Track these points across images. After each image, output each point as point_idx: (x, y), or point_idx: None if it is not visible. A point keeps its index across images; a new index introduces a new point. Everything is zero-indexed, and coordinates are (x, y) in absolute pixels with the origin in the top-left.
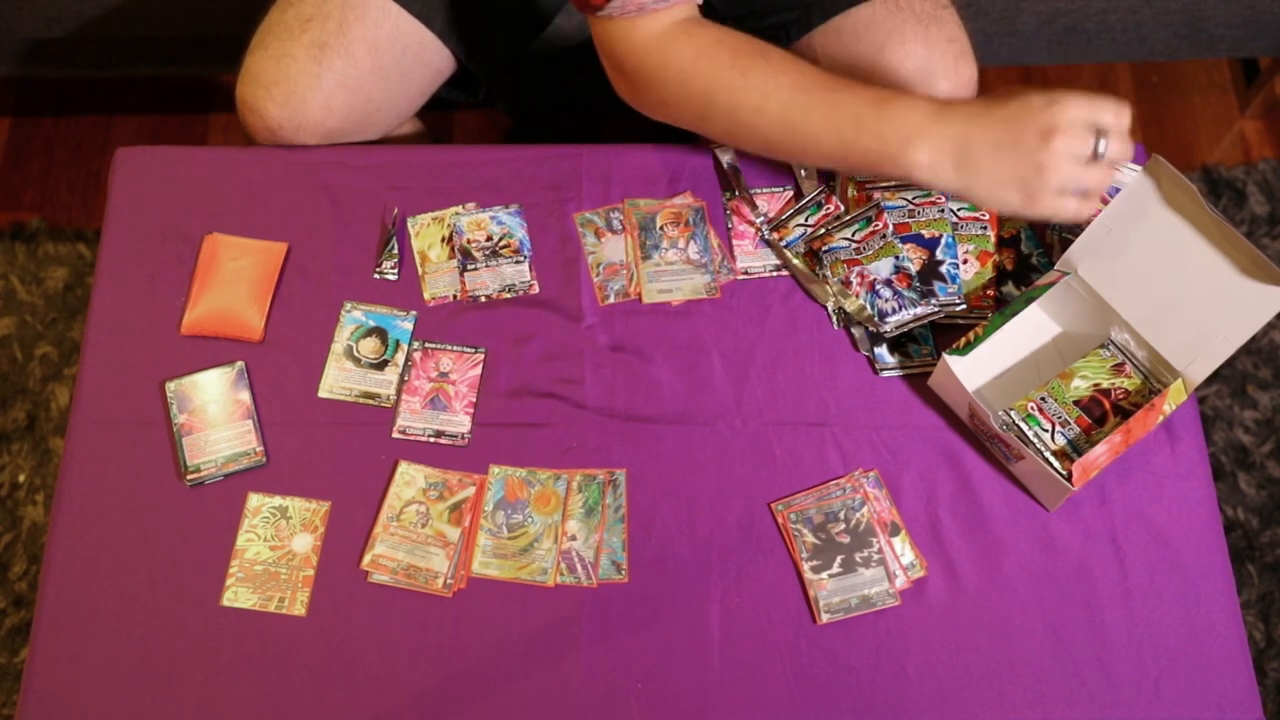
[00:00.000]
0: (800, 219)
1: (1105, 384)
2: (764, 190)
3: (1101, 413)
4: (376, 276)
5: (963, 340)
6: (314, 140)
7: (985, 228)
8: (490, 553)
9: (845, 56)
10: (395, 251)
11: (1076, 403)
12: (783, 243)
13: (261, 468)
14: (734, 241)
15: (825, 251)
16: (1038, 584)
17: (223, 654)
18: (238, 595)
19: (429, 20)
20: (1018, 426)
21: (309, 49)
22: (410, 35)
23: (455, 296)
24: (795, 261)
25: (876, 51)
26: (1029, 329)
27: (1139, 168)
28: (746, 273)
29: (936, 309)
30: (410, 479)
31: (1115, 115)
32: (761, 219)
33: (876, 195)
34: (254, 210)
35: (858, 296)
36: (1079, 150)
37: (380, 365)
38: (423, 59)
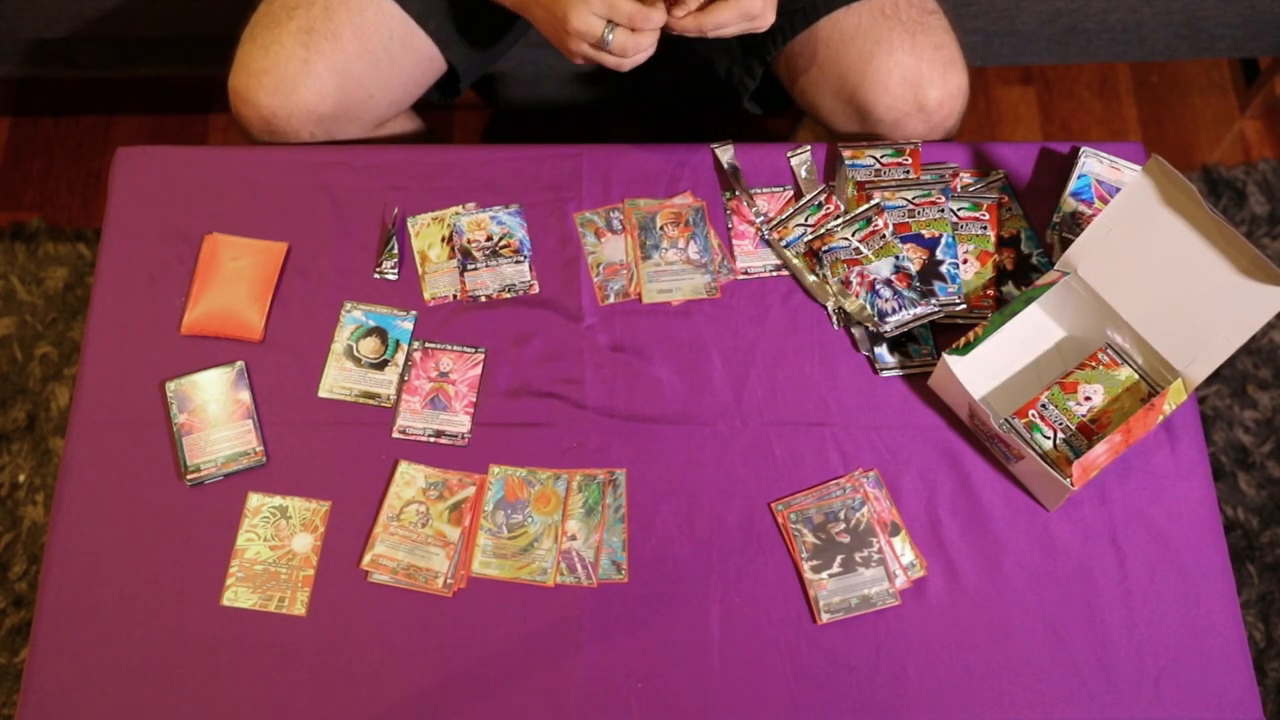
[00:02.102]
0: (800, 219)
1: None
2: (764, 190)
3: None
4: (376, 276)
5: (963, 340)
6: (307, 128)
7: (985, 228)
8: (490, 553)
9: (833, 64)
10: (395, 251)
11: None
12: (783, 243)
13: (261, 468)
14: (734, 241)
15: (825, 251)
16: (1038, 584)
17: (223, 654)
18: (238, 595)
19: (406, 5)
20: (1018, 429)
21: (296, 35)
22: (395, 19)
23: (455, 296)
24: (795, 261)
25: (864, 60)
26: (1029, 329)
27: (1139, 168)
28: (746, 273)
29: (936, 309)
30: (410, 479)
31: (629, 14)
32: (761, 219)
33: (876, 195)
34: (254, 210)
35: (858, 296)
36: (592, 34)
37: (380, 365)
38: (410, 44)
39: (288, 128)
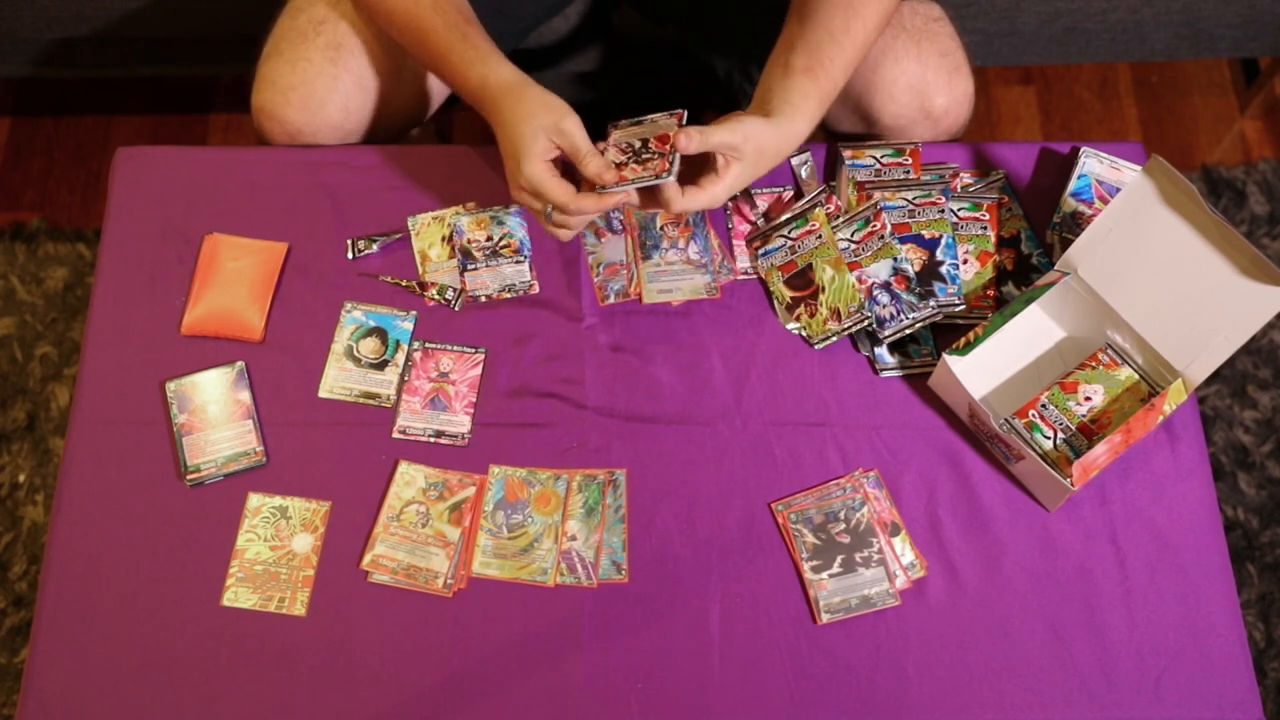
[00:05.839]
0: (785, 231)
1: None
2: (764, 190)
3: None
4: (428, 300)
5: (963, 340)
6: (331, 142)
7: (985, 228)
8: (490, 553)
9: None
10: (447, 288)
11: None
12: (761, 252)
13: (261, 468)
14: (734, 241)
15: (761, 255)
16: (1038, 584)
17: (223, 654)
18: (238, 595)
19: None
20: (1018, 430)
21: (324, 51)
22: None
23: (454, 301)
24: (773, 285)
25: (870, 69)
26: (1029, 329)
27: (1139, 168)
28: (746, 273)
29: (934, 311)
30: (410, 479)
31: (561, 204)
32: (761, 219)
33: (876, 195)
34: (254, 210)
35: (816, 316)
36: (531, 208)
37: (380, 365)
38: None
39: (312, 142)
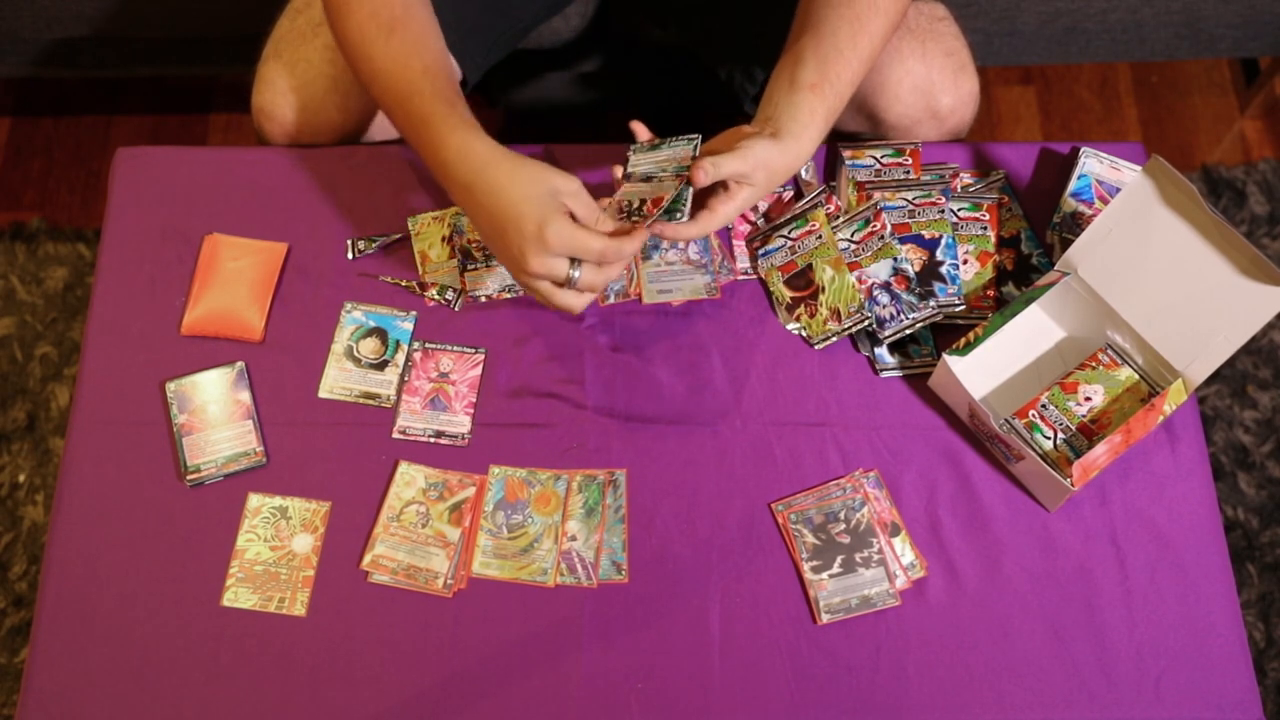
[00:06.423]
0: (785, 230)
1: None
2: None
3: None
4: (428, 300)
5: (963, 340)
6: (332, 142)
7: (985, 228)
8: (490, 553)
9: None
10: (448, 291)
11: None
12: (761, 252)
13: (261, 468)
14: (734, 242)
15: (761, 255)
16: (1038, 584)
17: (223, 654)
18: (238, 595)
19: None
20: (1018, 430)
21: (323, 52)
22: None
23: (454, 301)
24: (773, 286)
25: (876, 69)
26: (1029, 329)
27: (1139, 168)
28: (746, 273)
29: (934, 311)
30: (410, 479)
31: (599, 252)
32: (761, 219)
33: (876, 195)
34: (254, 210)
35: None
36: (554, 277)
37: (380, 365)
38: None
39: (312, 142)
